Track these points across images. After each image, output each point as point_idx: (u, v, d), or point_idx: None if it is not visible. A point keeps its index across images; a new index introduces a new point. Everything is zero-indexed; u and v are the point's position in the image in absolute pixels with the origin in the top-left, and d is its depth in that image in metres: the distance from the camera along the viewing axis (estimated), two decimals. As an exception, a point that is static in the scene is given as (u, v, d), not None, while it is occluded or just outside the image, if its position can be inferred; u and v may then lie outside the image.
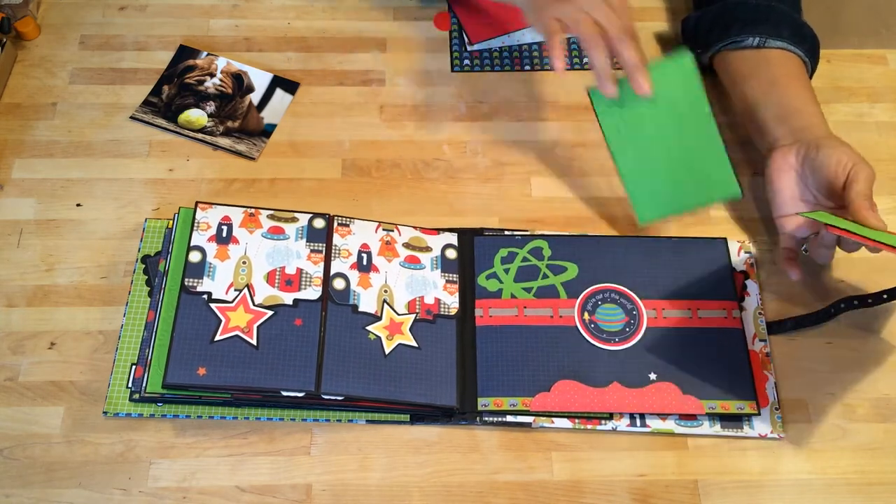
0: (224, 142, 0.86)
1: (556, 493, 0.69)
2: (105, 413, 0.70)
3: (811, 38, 0.86)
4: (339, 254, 0.76)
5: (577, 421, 0.72)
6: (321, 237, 0.76)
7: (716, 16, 0.88)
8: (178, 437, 0.70)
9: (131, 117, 0.87)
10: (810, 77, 0.86)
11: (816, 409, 0.74)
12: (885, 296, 0.74)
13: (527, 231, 0.81)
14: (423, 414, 0.72)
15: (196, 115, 0.88)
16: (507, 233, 0.81)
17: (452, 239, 0.79)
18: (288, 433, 0.71)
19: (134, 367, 0.72)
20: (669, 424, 0.72)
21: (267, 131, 0.87)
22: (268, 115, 0.89)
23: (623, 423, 0.72)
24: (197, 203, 0.76)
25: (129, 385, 0.71)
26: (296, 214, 0.77)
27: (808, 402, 0.74)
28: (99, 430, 0.70)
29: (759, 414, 0.71)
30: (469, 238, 0.80)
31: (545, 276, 0.77)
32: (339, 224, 0.77)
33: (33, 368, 0.73)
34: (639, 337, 0.75)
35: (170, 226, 0.78)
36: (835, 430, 0.73)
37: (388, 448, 0.71)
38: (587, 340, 0.74)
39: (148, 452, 0.70)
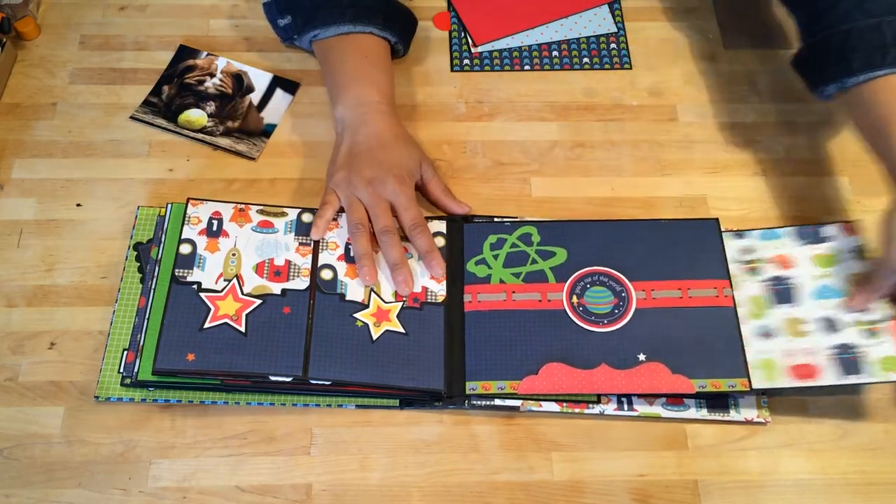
0: (224, 142, 0.86)
1: (556, 494, 0.69)
2: (97, 398, 0.70)
3: None
4: (326, 246, 0.76)
5: (564, 405, 0.72)
6: (309, 230, 0.76)
7: (829, 48, 0.77)
8: (178, 437, 0.71)
9: (131, 117, 0.87)
10: None
11: (816, 409, 0.74)
12: (885, 296, 0.74)
13: (516, 217, 0.81)
14: (411, 398, 0.72)
15: (196, 115, 0.88)
16: (496, 219, 0.81)
17: (441, 227, 0.79)
18: (288, 433, 0.71)
19: (125, 352, 0.72)
20: (657, 409, 0.72)
21: (267, 131, 0.87)
22: (268, 115, 0.89)
23: (610, 408, 0.72)
24: (188, 199, 0.76)
25: (121, 370, 0.71)
26: (285, 209, 0.78)
27: (808, 402, 0.74)
28: (99, 431, 0.70)
29: (751, 391, 0.71)
30: (458, 225, 0.80)
31: (534, 262, 0.77)
32: None
33: (33, 368, 0.73)
34: (627, 318, 0.74)
35: (161, 213, 0.78)
36: (835, 430, 0.73)
37: (388, 448, 0.71)
38: (575, 323, 0.74)
39: (148, 452, 0.70)
